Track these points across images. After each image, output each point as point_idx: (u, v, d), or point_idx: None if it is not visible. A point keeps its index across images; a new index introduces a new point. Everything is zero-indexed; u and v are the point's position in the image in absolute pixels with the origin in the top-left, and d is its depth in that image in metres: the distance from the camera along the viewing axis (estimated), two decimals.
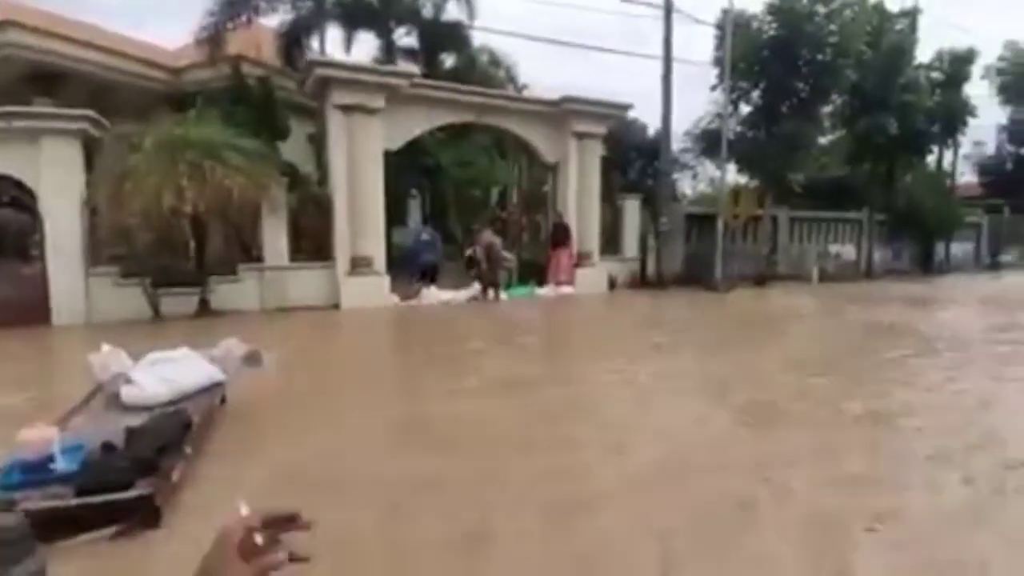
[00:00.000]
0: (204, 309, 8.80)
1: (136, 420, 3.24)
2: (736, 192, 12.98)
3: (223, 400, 4.04)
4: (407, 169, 13.41)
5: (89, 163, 8.02)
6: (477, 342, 6.86)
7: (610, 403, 4.49)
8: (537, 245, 13.80)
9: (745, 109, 14.04)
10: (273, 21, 14.08)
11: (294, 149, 13.53)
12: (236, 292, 9.28)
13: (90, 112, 7.85)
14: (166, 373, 3.54)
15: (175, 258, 8.62)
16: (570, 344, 7.12)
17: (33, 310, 7.93)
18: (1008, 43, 21.11)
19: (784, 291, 12.97)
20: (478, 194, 19.93)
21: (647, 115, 20.25)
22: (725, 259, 12.94)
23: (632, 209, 13.21)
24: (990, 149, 22.62)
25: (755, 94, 13.56)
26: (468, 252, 11.90)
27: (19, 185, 7.76)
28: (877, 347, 6.50)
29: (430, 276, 11.45)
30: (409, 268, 11.24)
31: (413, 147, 11.68)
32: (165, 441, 2.83)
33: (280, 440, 3.54)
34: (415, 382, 5.12)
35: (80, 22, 12.65)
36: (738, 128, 14.10)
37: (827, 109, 14.27)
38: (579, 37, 35.56)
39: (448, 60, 16.02)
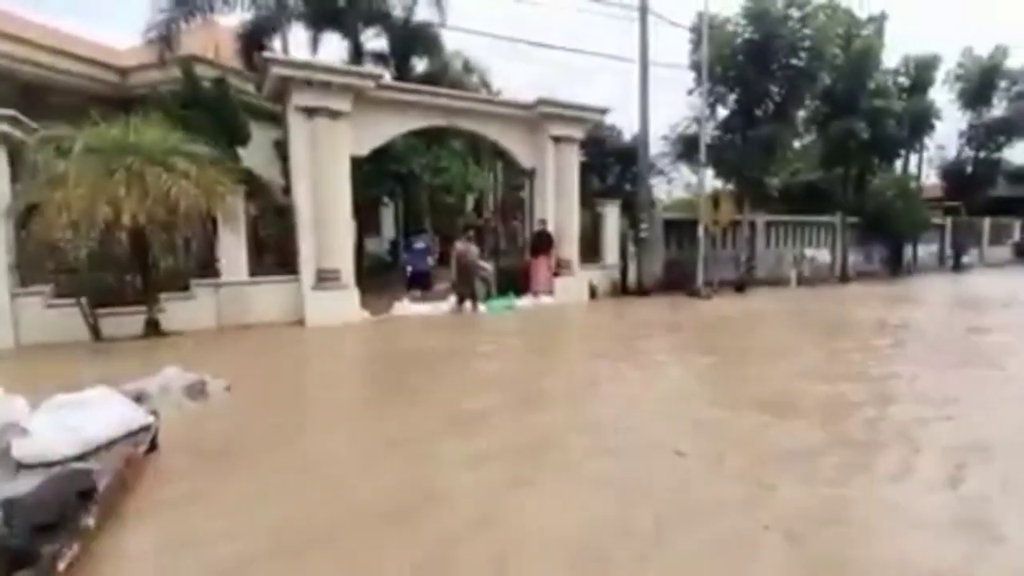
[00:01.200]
0: (152, 329, 8.01)
1: (29, 483, 2.60)
2: (715, 197, 12.77)
3: (152, 447, 3.39)
4: (378, 176, 12.81)
5: (15, 171, 7.18)
6: (450, 364, 6.30)
7: (626, 428, 3.99)
8: (515, 253, 13.33)
9: (722, 113, 13.88)
10: (232, 20, 13.36)
11: (259, 157, 12.81)
12: (189, 310, 8.50)
13: (10, 112, 7.01)
14: (72, 420, 2.89)
15: (118, 274, 7.79)
16: (561, 360, 6.59)
17: None
18: (966, 50, 21.72)
19: (766, 296, 12.78)
20: (453, 201, 19.44)
21: (622, 121, 20.16)
22: (706, 265, 12.70)
23: (612, 215, 12.84)
24: (951, 153, 23.24)
25: (731, 98, 13.39)
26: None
27: None
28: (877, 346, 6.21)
29: (424, 285, 11.00)
30: (402, 278, 11.01)
31: (384, 153, 11.10)
32: (54, 515, 2.20)
33: (215, 506, 2.88)
34: (384, 423, 4.47)
35: (10, 13, 11.66)
36: (715, 132, 13.94)
37: (801, 113, 14.20)
38: (551, 41, 35.32)
39: (420, 65, 15.52)
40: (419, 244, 11.55)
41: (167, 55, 11.59)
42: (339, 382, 5.93)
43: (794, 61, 12.81)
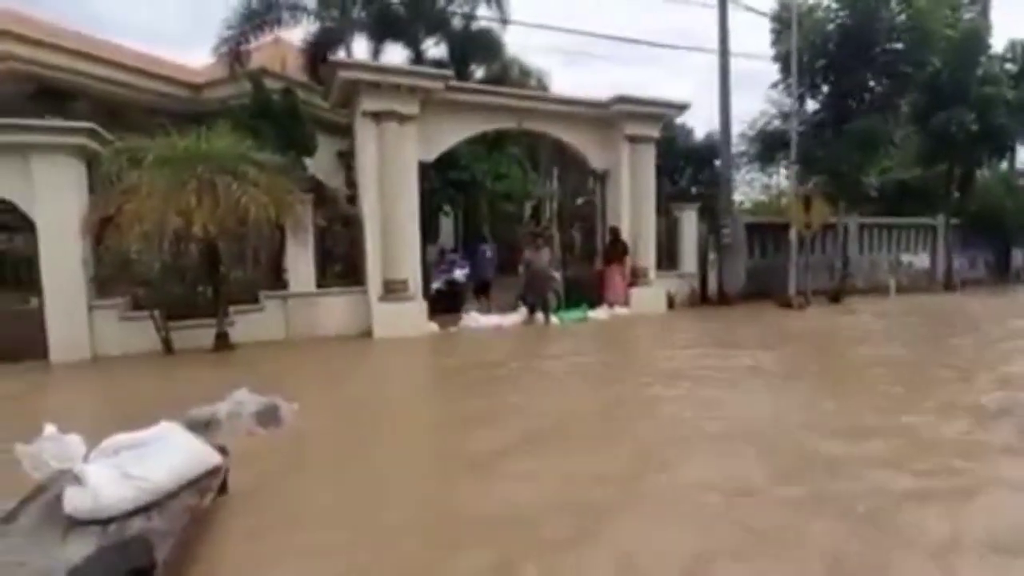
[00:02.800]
0: (222, 342, 7.80)
1: (83, 544, 2.11)
2: (807, 199, 11.54)
3: (223, 489, 2.88)
4: (442, 183, 12.44)
5: (92, 183, 7.16)
6: (528, 381, 5.62)
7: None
8: (581, 261, 12.56)
9: (810, 107, 12.65)
10: (297, 35, 13.45)
11: (324, 168, 12.76)
12: (258, 322, 8.28)
13: (90, 124, 6.98)
14: (133, 467, 2.39)
15: (189, 287, 7.63)
16: (658, 381, 5.77)
17: (27, 345, 7.05)
18: None
19: (866, 307, 11.40)
20: (512, 209, 18.97)
21: (691, 120, 19.04)
22: (797, 272, 11.49)
23: (689, 220, 11.88)
24: None
25: (822, 90, 12.16)
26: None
27: (15, 210, 6.91)
28: None
29: (485, 294, 10.55)
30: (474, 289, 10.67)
31: (445, 160, 10.69)
32: None
33: (301, 560, 2.35)
34: (476, 447, 3.87)
35: (95, 39, 12.10)
36: (800, 128, 12.72)
37: (903, 102, 12.70)
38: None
39: (479, 71, 15.17)
40: (489, 253, 11.03)
41: (237, 69, 11.70)
42: (417, 403, 5.37)
43: (896, 46, 11.49)
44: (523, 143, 16.68)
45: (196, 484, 2.60)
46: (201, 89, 12.37)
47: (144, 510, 2.37)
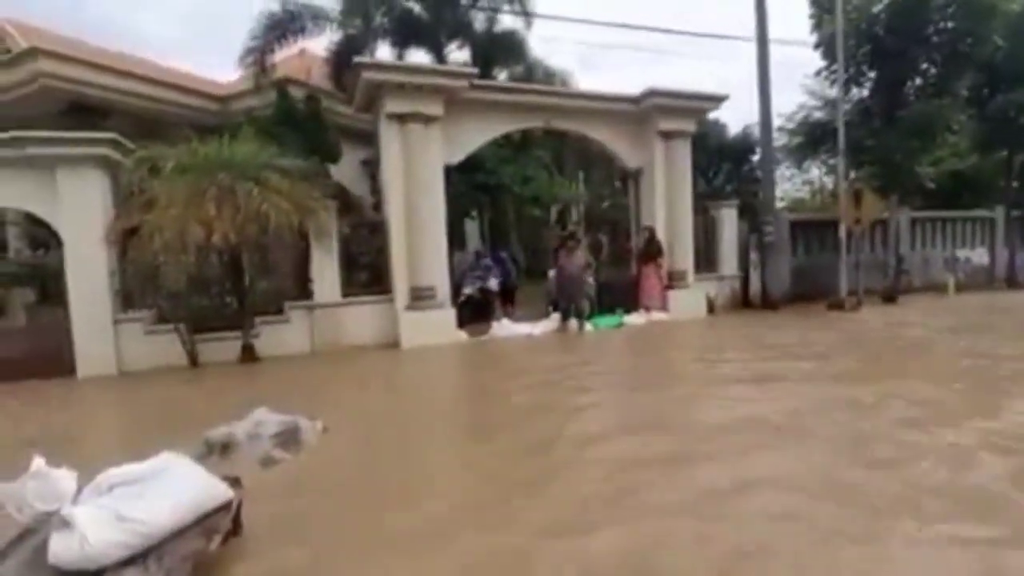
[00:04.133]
0: (248, 355, 7.61)
1: None
2: (857, 192, 10.79)
3: (235, 529, 2.54)
4: (467, 188, 12.13)
5: (117, 194, 7.06)
6: (567, 396, 5.17)
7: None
8: (611, 265, 12.03)
9: (855, 95, 11.90)
10: (321, 46, 13.40)
11: (348, 175, 12.62)
12: (283, 333, 8.06)
13: (112, 135, 6.88)
14: (127, 506, 2.06)
15: (214, 298, 7.46)
16: (709, 394, 5.26)
17: (55, 361, 6.97)
18: None
19: (925, 306, 10.58)
20: (539, 213, 18.60)
21: (724, 115, 18.33)
22: (847, 271, 10.74)
23: (728, 219, 11.26)
24: None
25: (869, 75, 11.42)
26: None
27: (41, 222, 6.85)
28: None
29: (510, 301, 10.11)
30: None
31: (470, 163, 10.37)
32: None
33: None
34: (518, 475, 3.46)
35: (122, 54, 12.24)
36: (847, 118, 11.96)
37: (960, 85, 11.80)
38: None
39: (502, 73, 14.88)
40: (508, 258, 10.63)
41: (262, 80, 11.66)
42: (451, 422, 4.99)
43: (950, 24, 10.69)
44: (549, 146, 16.29)
45: (202, 524, 2.26)
46: (227, 101, 12.39)
47: (141, 557, 2.04)
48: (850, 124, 11.52)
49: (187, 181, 6.22)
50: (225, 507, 2.40)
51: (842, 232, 10.70)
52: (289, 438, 3.78)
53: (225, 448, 3.69)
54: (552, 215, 20.61)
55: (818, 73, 11.81)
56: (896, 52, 10.87)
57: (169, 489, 2.20)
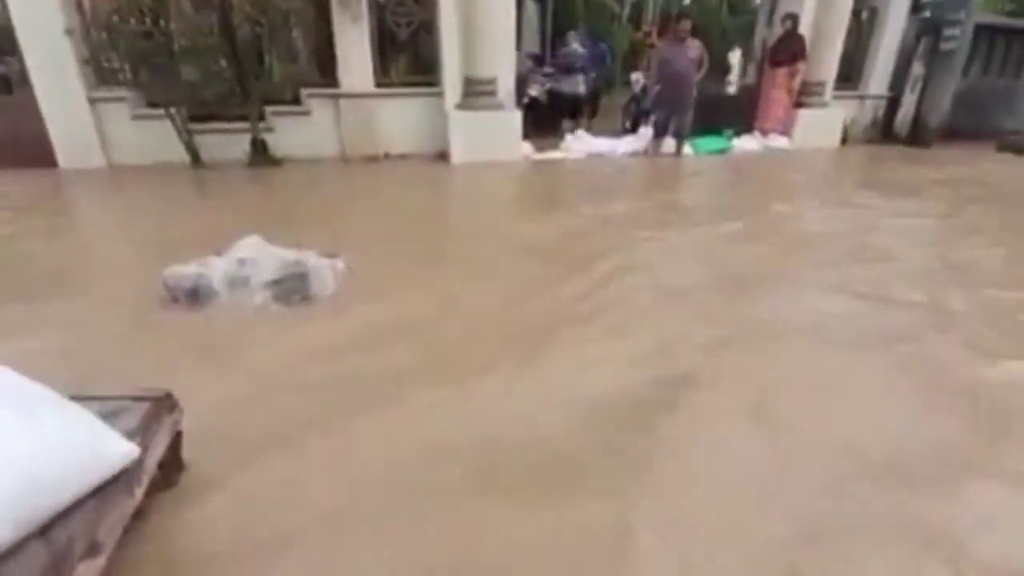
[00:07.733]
0: (259, 153, 6.07)
1: None
2: None
3: (176, 466, 1.21)
4: None
5: None
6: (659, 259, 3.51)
7: None
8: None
9: None
10: None
11: None
12: (304, 132, 6.38)
13: None
14: None
15: (209, 74, 5.60)
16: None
17: (34, 148, 5.62)
18: None
19: None
20: (610, 3, 15.14)
21: None
22: None
23: (896, 15, 8.15)
24: None
25: None
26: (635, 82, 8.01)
27: None
28: None
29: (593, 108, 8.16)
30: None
31: None
32: None
33: None
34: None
35: None
36: None
37: None
38: None
39: None
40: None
41: None
42: (543, 302, 3.47)
43: None
44: None
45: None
46: None
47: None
48: None
49: None
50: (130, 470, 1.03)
51: None
52: (293, 286, 2.36)
53: (193, 296, 2.31)
54: (626, 8, 16.83)
55: None
56: None
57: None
